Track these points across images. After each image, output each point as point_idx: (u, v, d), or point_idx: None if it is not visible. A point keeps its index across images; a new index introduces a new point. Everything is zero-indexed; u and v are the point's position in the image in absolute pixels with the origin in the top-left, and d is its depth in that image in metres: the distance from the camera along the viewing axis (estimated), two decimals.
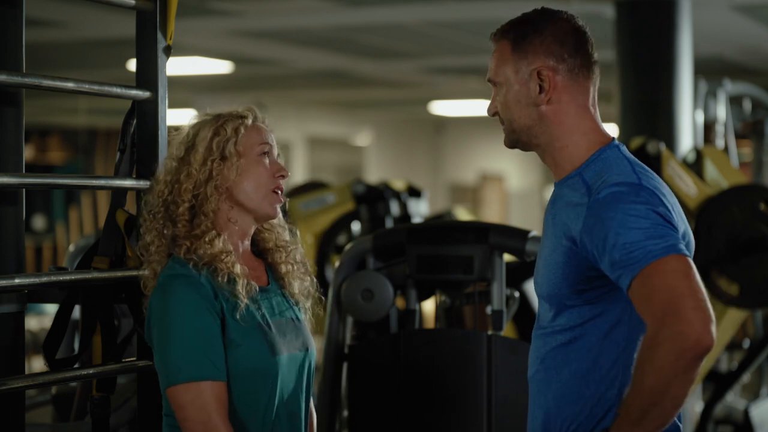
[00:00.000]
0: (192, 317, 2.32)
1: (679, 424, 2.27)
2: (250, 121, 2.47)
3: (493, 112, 2.40)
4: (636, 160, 2.34)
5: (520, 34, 2.35)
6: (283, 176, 2.48)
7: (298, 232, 2.59)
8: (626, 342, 2.25)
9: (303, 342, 2.49)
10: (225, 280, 2.37)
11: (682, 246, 2.16)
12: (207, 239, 2.39)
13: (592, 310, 2.27)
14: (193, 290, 2.34)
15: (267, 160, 2.47)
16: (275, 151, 2.50)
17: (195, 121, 2.49)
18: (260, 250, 2.54)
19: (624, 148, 2.36)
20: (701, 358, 2.07)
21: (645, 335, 2.12)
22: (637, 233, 2.15)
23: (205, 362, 2.31)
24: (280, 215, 2.54)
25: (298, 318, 2.52)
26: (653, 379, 2.08)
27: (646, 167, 2.34)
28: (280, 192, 2.48)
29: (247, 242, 2.50)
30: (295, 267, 2.55)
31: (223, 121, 2.45)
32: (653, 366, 2.07)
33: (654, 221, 2.17)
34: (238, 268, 2.40)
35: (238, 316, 2.36)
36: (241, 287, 2.38)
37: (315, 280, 2.59)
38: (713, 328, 2.06)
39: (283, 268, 2.53)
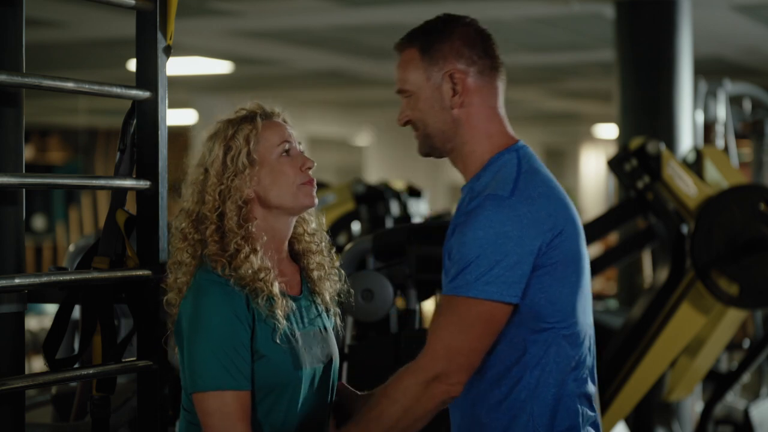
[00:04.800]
0: (223, 325, 2.31)
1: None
2: (260, 124, 2.43)
3: (404, 121, 2.41)
4: (532, 165, 2.34)
5: (427, 40, 2.36)
6: (309, 167, 2.44)
7: (323, 219, 2.57)
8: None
9: (328, 354, 2.48)
10: (264, 301, 2.35)
11: (513, 289, 2.22)
12: (242, 256, 2.36)
13: None
14: (227, 298, 2.33)
15: (289, 157, 2.43)
16: (295, 143, 2.46)
17: (206, 135, 2.44)
18: (294, 252, 2.52)
19: (524, 151, 2.36)
20: (446, 399, 2.26)
21: (415, 362, 2.26)
22: (473, 259, 2.23)
23: (233, 371, 2.30)
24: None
25: (326, 328, 2.50)
26: (399, 395, 2.24)
27: (540, 171, 2.34)
28: (310, 183, 2.44)
29: (285, 248, 2.48)
30: (327, 272, 2.52)
31: (233, 132, 2.41)
32: (403, 386, 2.24)
33: (499, 247, 2.21)
34: (276, 288, 2.38)
35: (277, 339, 2.35)
36: (280, 309, 2.36)
37: (347, 281, 2.57)
38: (464, 383, 2.25)
39: (316, 275, 2.51)
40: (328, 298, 2.51)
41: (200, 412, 2.31)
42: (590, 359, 2.36)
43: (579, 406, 2.32)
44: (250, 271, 2.35)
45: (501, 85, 2.39)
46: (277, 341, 2.35)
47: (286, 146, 2.44)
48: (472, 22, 2.39)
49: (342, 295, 2.55)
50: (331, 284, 2.53)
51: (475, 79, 2.35)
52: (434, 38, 2.35)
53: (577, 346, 2.32)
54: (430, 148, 2.40)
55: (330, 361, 2.48)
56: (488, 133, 2.35)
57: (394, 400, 2.23)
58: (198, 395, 2.31)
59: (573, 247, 2.28)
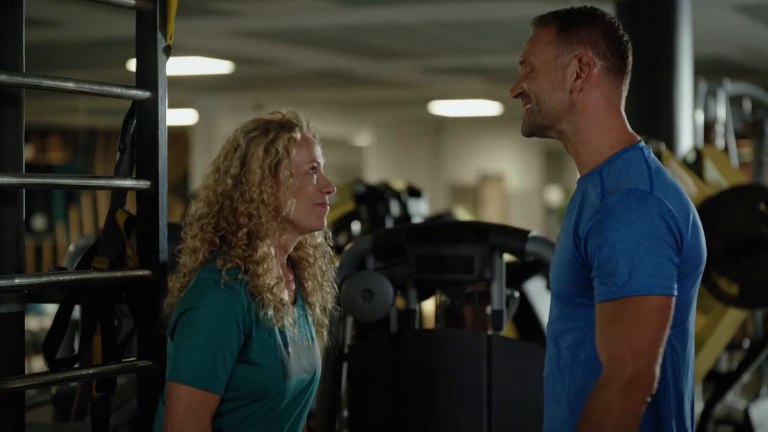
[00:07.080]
0: (218, 327, 2.33)
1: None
2: (299, 136, 2.48)
3: (517, 92, 2.41)
4: (658, 164, 2.36)
5: (569, 21, 2.38)
6: (329, 192, 2.50)
7: (329, 233, 2.59)
8: None
9: (312, 365, 2.51)
10: (273, 311, 2.38)
11: (672, 282, 2.19)
12: (265, 266, 2.39)
13: None
14: (228, 300, 2.35)
15: (315, 176, 2.49)
16: (322, 163, 2.52)
17: (245, 131, 2.45)
18: (291, 259, 2.55)
19: (648, 151, 2.38)
20: (646, 398, 2.17)
21: (602, 376, 2.18)
22: (633, 255, 2.18)
23: (212, 374, 2.33)
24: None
25: (312, 339, 2.54)
26: (602, 414, 2.15)
27: (666, 171, 2.37)
28: (324, 206, 2.49)
29: (285, 256, 2.51)
30: (319, 281, 2.55)
31: (273, 137, 2.44)
32: (602, 403, 2.15)
33: (655, 240, 2.19)
34: (286, 297, 2.42)
35: (275, 348, 2.38)
36: (290, 317, 2.41)
37: (337, 291, 2.60)
38: (657, 376, 2.17)
39: (309, 285, 2.54)
40: (318, 310, 2.54)
41: (168, 399, 2.34)
42: (693, 359, 2.37)
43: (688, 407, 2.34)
44: (267, 281, 2.37)
45: (624, 91, 2.44)
46: (274, 350, 2.38)
47: (315, 164, 2.50)
48: (616, 22, 2.42)
49: (334, 308, 2.58)
50: (323, 296, 2.55)
51: (601, 72, 2.38)
52: (577, 21, 2.37)
53: (686, 345, 2.31)
54: (536, 126, 2.40)
55: (314, 372, 2.51)
56: (608, 128, 2.39)
57: (599, 421, 2.16)
58: (172, 383, 2.33)
59: (696, 247, 2.30)
